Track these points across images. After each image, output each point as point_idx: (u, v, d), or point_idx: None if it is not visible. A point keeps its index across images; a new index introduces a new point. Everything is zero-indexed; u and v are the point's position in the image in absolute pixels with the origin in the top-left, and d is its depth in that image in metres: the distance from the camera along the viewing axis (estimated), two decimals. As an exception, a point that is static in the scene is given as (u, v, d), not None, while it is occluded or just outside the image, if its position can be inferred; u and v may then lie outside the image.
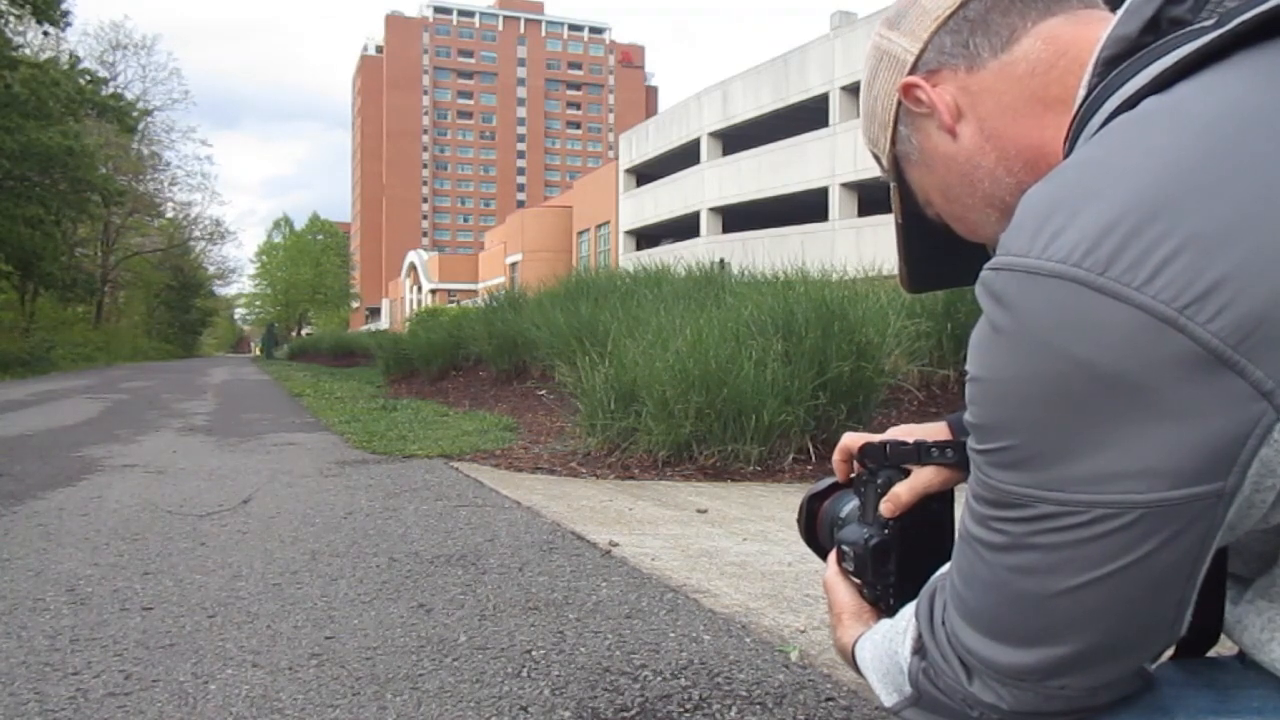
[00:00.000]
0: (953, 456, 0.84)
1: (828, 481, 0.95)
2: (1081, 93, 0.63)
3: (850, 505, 0.90)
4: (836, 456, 0.93)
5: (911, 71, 0.74)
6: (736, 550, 3.26)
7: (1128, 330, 0.50)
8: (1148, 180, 0.51)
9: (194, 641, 2.28)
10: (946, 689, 0.64)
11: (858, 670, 0.80)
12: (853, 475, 0.91)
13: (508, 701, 1.89)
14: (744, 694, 1.93)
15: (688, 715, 1.83)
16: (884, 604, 0.84)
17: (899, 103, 0.76)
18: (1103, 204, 0.52)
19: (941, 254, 0.84)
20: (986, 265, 0.57)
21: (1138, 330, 0.49)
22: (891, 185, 0.82)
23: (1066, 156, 0.62)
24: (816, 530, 0.94)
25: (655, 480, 4.96)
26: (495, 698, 1.91)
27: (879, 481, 0.85)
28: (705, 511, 4.04)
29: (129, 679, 2.02)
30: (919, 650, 0.67)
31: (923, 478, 0.85)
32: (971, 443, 0.59)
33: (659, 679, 2.02)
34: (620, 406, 5.51)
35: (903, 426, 0.92)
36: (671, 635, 2.31)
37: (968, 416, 0.59)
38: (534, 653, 2.18)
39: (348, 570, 2.98)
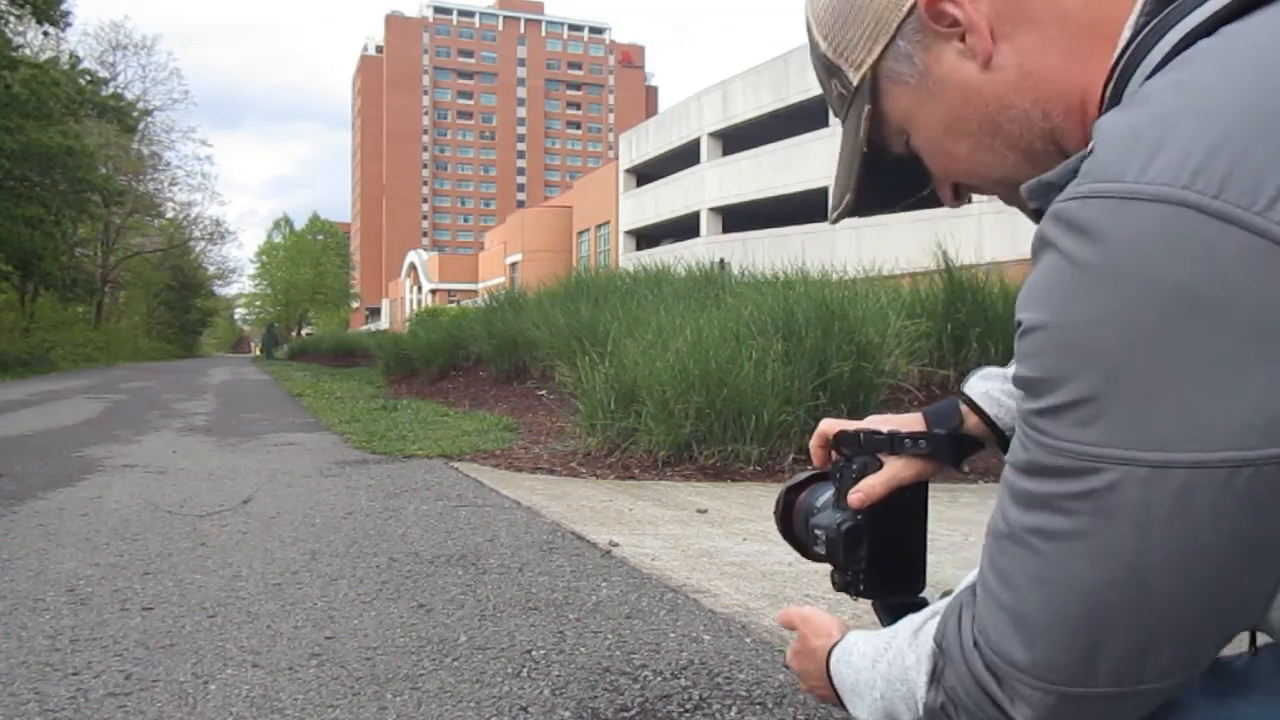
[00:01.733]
0: (926, 448, 0.85)
1: (806, 474, 0.95)
2: (1128, 32, 0.56)
3: (826, 495, 0.90)
4: (814, 442, 0.92)
5: None
6: (736, 550, 3.26)
7: (1248, 259, 0.44)
8: (1252, 98, 0.46)
9: (194, 641, 2.28)
10: (979, 710, 0.58)
11: (831, 686, 0.76)
12: (831, 463, 0.91)
13: (508, 701, 1.89)
14: (744, 694, 1.93)
15: (688, 715, 1.83)
16: (853, 590, 0.84)
17: (909, 11, 0.65)
18: (1205, 123, 0.46)
19: (888, 183, 0.75)
20: (1062, 197, 0.51)
21: (1260, 259, 0.44)
22: (864, 108, 0.70)
23: (1107, 103, 0.57)
24: (792, 521, 0.94)
25: (655, 480, 4.96)
26: (495, 698, 1.91)
27: (854, 468, 0.85)
28: (705, 511, 4.04)
29: (129, 679, 2.02)
30: (937, 679, 0.62)
31: (895, 468, 0.85)
32: (1029, 403, 0.52)
33: (659, 679, 2.02)
34: (620, 406, 5.51)
35: (879, 416, 0.91)
36: (671, 635, 2.31)
37: (1024, 371, 0.52)
38: (534, 653, 2.18)
39: (348, 570, 2.98)
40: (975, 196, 0.73)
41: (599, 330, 7.26)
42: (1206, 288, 0.45)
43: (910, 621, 0.70)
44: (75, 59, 31.58)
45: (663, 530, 3.63)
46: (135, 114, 35.78)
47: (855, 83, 0.70)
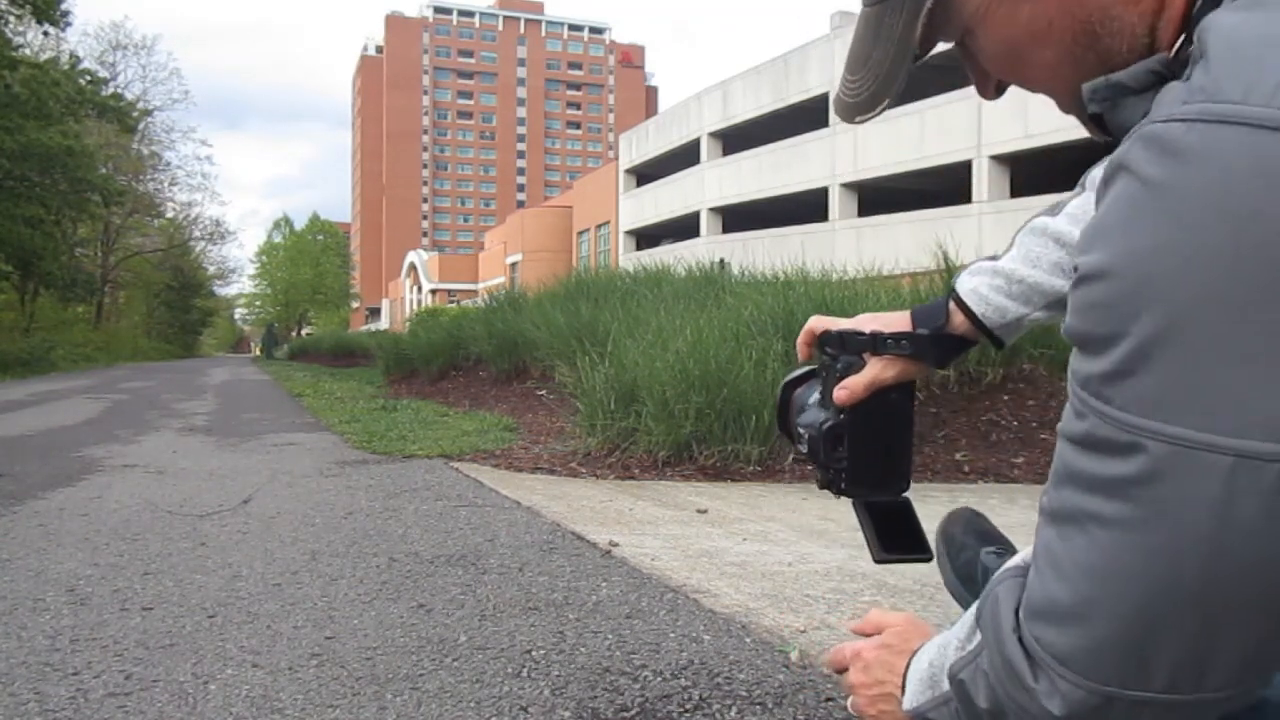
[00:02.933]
0: (908, 347, 0.84)
1: (804, 369, 0.94)
2: None
3: (814, 393, 0.90)
4: (801, 339, 0.91)
5: None
6: (736, 550, 3.26)
7: None
8: None
9: (194, 641, 2.28)
10: (1001, 690, 0.54)
11: (902, 682, 0.69)
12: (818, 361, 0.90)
13: (508, 702, 1.89)
14: (744, 694, 1.93)
15: (688, 715, 1.83)
16: (835, 488, 0.84)
17: None
18: None
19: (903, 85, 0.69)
20: (1158, 117, 0.44)
21: None
22: (925, 2, 0.63)
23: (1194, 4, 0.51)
24: (789, 415, 0.93)
25: (655, 480, 4.96)
26: (495, 698, 1.91)
27: (838, 367, 0.85)
28: (705, 511, 4.04)
29: (129, 679, 2.02)
30: (972, 654, 0.58)
31: (877, 369, 0.83)
32: (1084, 362, 0.46)
33: (659, 679, 2.02)
34: (620, 407, 5.51)
35: (867, 315, 0.89)
36: (671, 635, 2.31)
37: (1080, 325, 0.46)
38: (534, 653, 2.18)
39: (348, 570, 2.98)
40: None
41: (599, 330, 7.26)
42: None
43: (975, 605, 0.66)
44: (75, 59, 31.58)
45: (663, 530, 3.63)
46: (135, 114, 35.77)
47: None
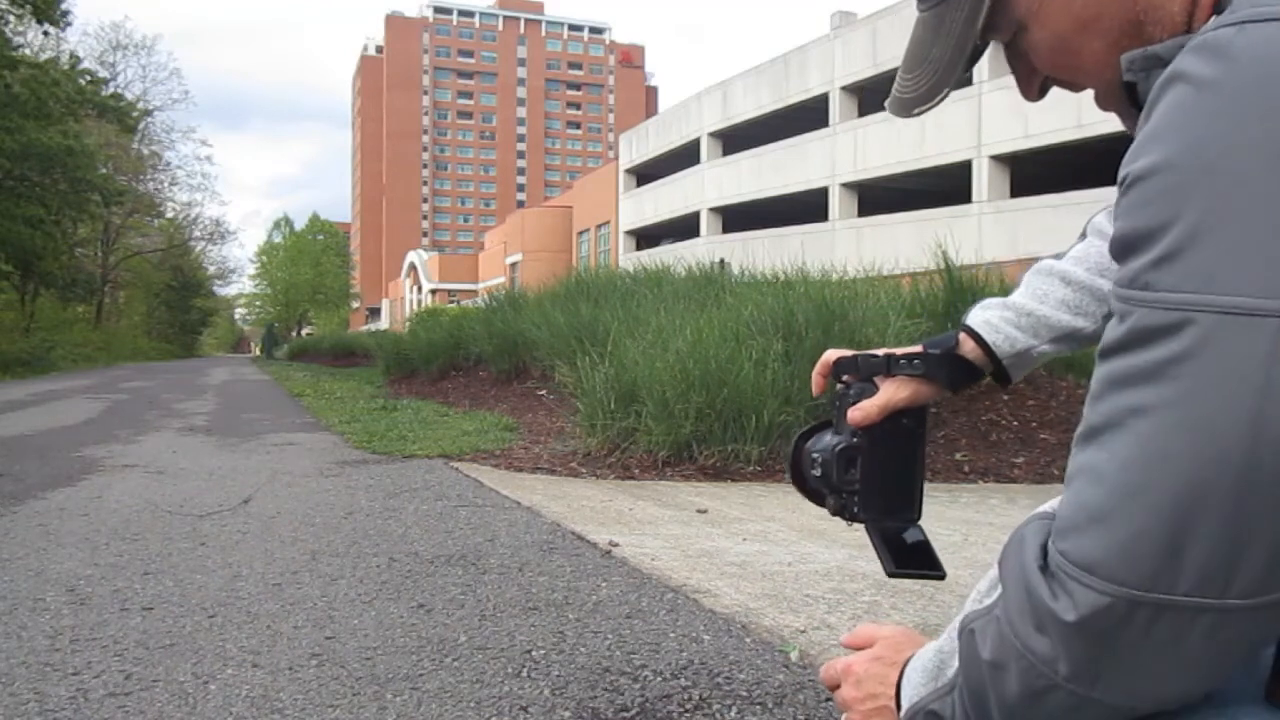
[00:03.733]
0: (920, 367, 0.86)
1: (816, 424, 0.95)
2: None
3: (828, 433, 0.91)
4: (816, 370, 0.93)
5: None
6: (736, 550, 3.26)
7: None
8: None
9: (194, 641, 2.28)
10: (1010, 629, 0.52)
11: (896, 690, 0.68)
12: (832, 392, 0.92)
13: (508, 702, 1.89)
14: (744, 694, 1.93)
15: (688, 715, 1.83)
16: (847, 513, 0.84)
17: None
18: None
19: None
20: (1209, 27, 0.48)
21: None
22: (985, 1, 0.66)
23: None
24: (801, 468, 0.93)
25: (655, 480, 4.96)
26: (495, 698, 1.91)
27: (852, 393, 0.87)
28: (705, 511, 4.04)
29: (129, 679, 2.02)
30: (987, 609, 0.57)
31: (890, 390, 0.85)
32: (1133, 260, 0.48)
33: (659, 679, 2.02)
34: (620, 406, 5.51)
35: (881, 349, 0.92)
36: (671, 635, 2.31)
37: (1129, 225, 0.48)
38: (534, 653, 2.18)
39: (348, 570, 2.98)
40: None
41: (599, 330, 7.26)
42: None
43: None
44: (75, 59, 31.57)
45: (663, 530, 3.63)
46: (135, 114, 35.79)
47: None
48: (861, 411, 0.84)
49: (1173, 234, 0.45)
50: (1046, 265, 0.91)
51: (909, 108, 0.74)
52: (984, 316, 0.90)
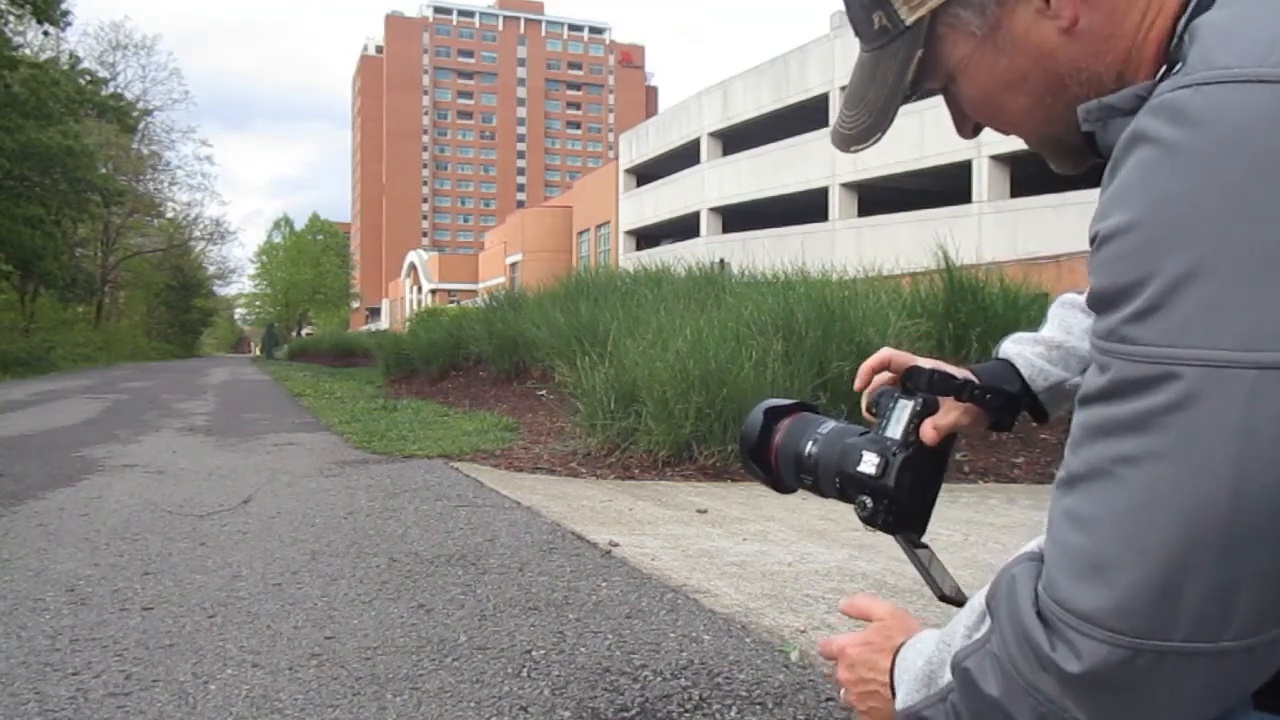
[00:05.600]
0: (994, 402, 0.86)
1: (787, 402, 0.93)
2: None
3: (829, 425, 0.89)
4: (869, 364, 0.91)
5: None
6: (736, 550, 3.26)
7: None
8: None
9: (194, 641, 2.28)
10: (1013, 669, 0.53)
11: (890, 679, 0.70)
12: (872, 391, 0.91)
13: (508, 702, 1.89)
14: (744, 694, 1.93)
15: (688, 715, 1.83)
16: (876, 521, 0.83)
17: None
18: None
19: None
20: (1164, 89, 0.49)
21: None
22: (916, 51, 0.67)
23: (1174, 39, 0.55)
24: (769, 446, 0.91)
25: (655, 480, 4.96)
26: (495, 698, 1.91)
27: (915, 403, 0.84)
28: (705, 511, 4.04)
29: (129, 679, 2.02)
30: (980, 641, 0.58)
31: (956, 413, 0.85)
32: (1111, 315, 0.48)
33: (659, 679, 2.02)
34: (620, 406, 5.51)
35: (929, 360, 0.90)
36: (671, 635, 2.31)
37: (1105, 281, 0.49)
38: (534, 653, 2.18)
39: (348, 570, 2.98)
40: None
41: (599, 330, 7.26)
42: None
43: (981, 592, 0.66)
44: (75, 59, 31.61)
45: (663, 530, 3.63)
46: (135, 114, 35.77)
47: (909, 23, 0.66)
48: (936, 430, 0.83)
49: (1150, 289, 0.46)
50: (1069, 298, 0.93)
51: (848, 144, 0.76)
52: (1017, 350, 0.91)
